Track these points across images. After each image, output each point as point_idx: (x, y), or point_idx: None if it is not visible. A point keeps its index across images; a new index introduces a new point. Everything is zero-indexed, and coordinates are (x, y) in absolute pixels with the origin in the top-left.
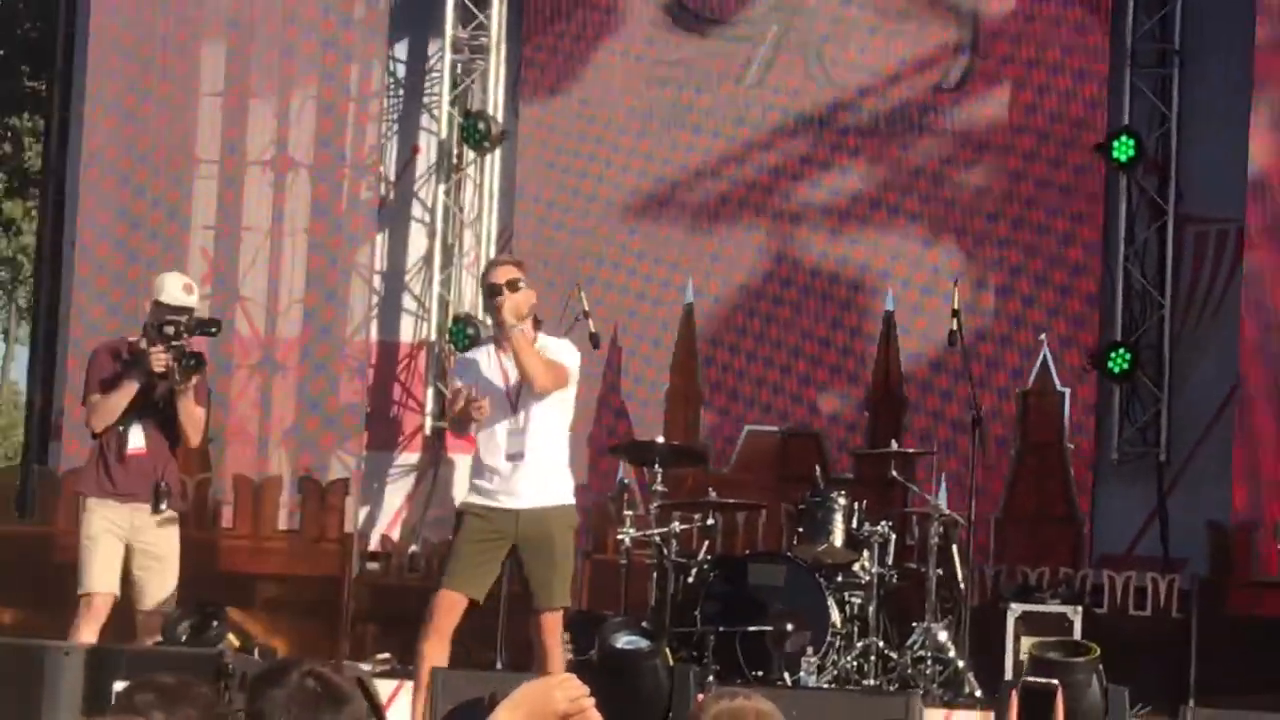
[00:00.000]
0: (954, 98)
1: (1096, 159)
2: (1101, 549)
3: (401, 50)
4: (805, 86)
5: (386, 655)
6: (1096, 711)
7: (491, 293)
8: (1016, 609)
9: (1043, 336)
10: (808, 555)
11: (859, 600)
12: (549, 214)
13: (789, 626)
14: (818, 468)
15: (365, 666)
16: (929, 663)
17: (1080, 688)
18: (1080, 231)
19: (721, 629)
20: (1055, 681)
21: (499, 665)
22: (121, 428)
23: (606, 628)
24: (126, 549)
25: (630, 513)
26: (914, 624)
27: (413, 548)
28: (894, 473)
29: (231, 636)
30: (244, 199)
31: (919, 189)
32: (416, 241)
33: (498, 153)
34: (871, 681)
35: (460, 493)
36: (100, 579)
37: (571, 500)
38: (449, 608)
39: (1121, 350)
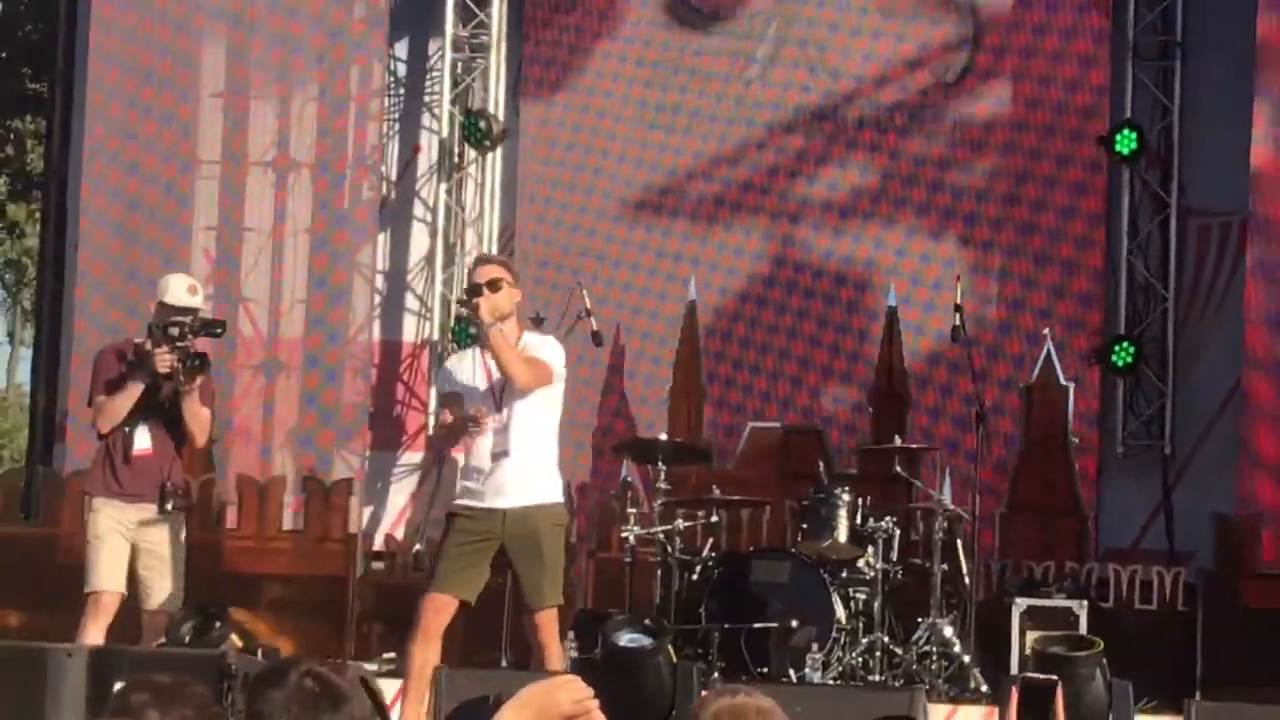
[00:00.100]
0: (955, 93)
1: (1098, 152)
2: (1107, 543)
3: (402, 49)
4: (807, 83)
5: (392, 655)
6: (1100, 705)
7: (472, 292)
8: (1022, 603)
9: (1046, 330)
10: (812, 552)
11: (864, 596)
12: (551, 212)
13: (794, 623)
14: (821, 464)
15: (370, 666)
16: (934, 658)
17: (1084, 682)
18: (1083, 225)
19: (726, 626)
20: (1055, 677)
21: (504, 664)
22: (127, 428)
23: (609, 626)
24: (132, 549)
25: (634, 510)
26: (919, 620)
27: (417, 547)
28: (898, 468)
29: (235, 637)
30: (246, 200)
31: (921, 184)
32: (418, 241)
33: (499, 151)
34: (877, 677)
35: None
36: (107, 577)
37: (559, 498)
38: (437, 610)
39: (1125, 344)
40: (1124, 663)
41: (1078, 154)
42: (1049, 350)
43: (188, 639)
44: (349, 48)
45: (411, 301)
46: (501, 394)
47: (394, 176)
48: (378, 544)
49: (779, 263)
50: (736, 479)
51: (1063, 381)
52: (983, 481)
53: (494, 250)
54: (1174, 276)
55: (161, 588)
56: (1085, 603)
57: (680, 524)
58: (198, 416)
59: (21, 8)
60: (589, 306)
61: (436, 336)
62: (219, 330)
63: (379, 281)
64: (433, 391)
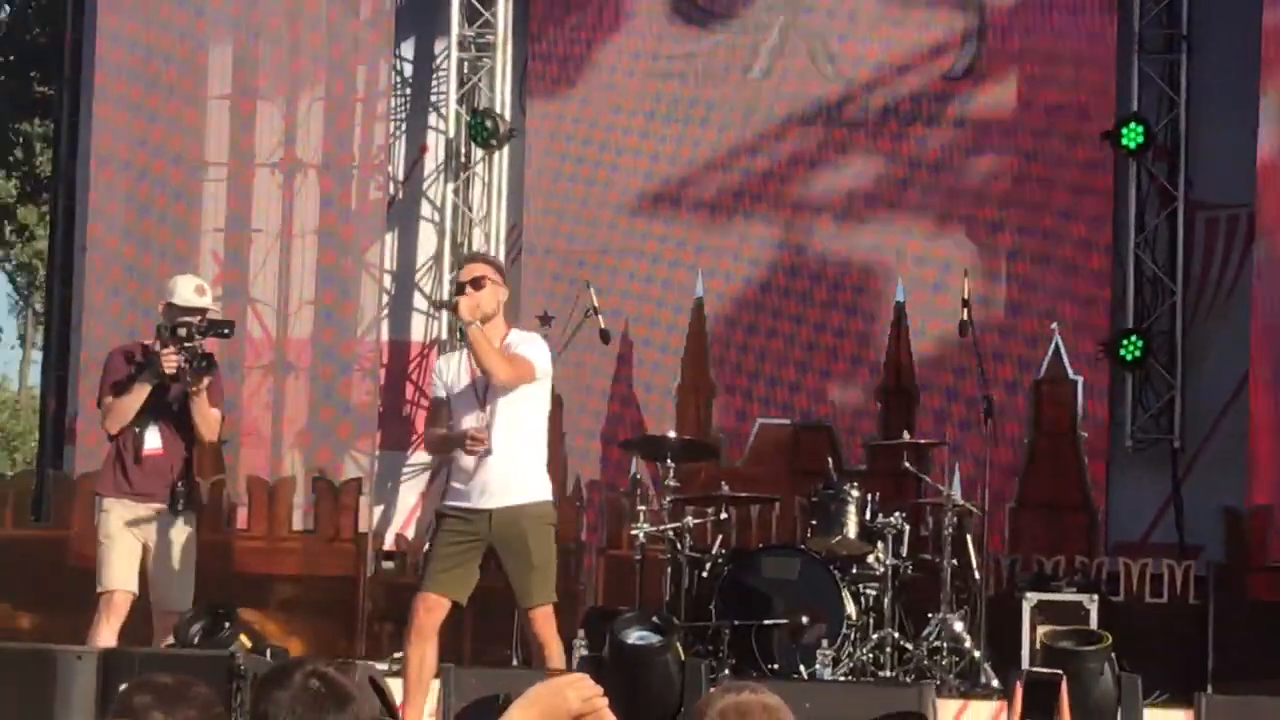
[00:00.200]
0: (961, 86)
1: (1105, 146)
2: (1117, 537)
3: (408, 49)
4: (813, 78)
5: (402, 654)
6: (1109, 699)
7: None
8: (1032, 598)
9: (1054, 325)
10: (821, 548)
11: (874, 592)
12: (557, 210)
13: (804, 619)
14: (830, 460)
15: (381, 666)
16: (945, 654)
17: (1092, 676)
18: (1090, 219)
19: (736, 623)
20: (1059, 671)
21: (515, 663)
22: (138, 429)
23: (618, 624)
24: (143, 549)
25: (643, 508)
26: (929, 615)
27: (427, 546)
28: (907, 464)
29: (244, 638)
30: (253, 201)
31: (928, 179)
32: (426, 240)
33: (506, 150)
34: (887, 673)
35: None
36: (119, 577)
37: (546, 497)
38: (428, 609)
39: (1133, 337)
40: (1135, 656)
41: (1084, 148)
42: (1057, 345)
43: (197, 640)
44: (355, 48)
45: (420, 301)
46: (485, 393)
47: (401, 176)
48: (388, 543)
49: (786, 258)
50: (745, 475)
51: (1071, 376)
52: (992, 475)
53: (502, 250)
54: (1182, 270)
55: (172, 588)
56: (1096, 597)
57: (690, 521)
58: (206, 417)
59: (29, 10)
60: (596, 304)
61: (445, 336)
62: (227, 331)
63: (387, 281)
64: None
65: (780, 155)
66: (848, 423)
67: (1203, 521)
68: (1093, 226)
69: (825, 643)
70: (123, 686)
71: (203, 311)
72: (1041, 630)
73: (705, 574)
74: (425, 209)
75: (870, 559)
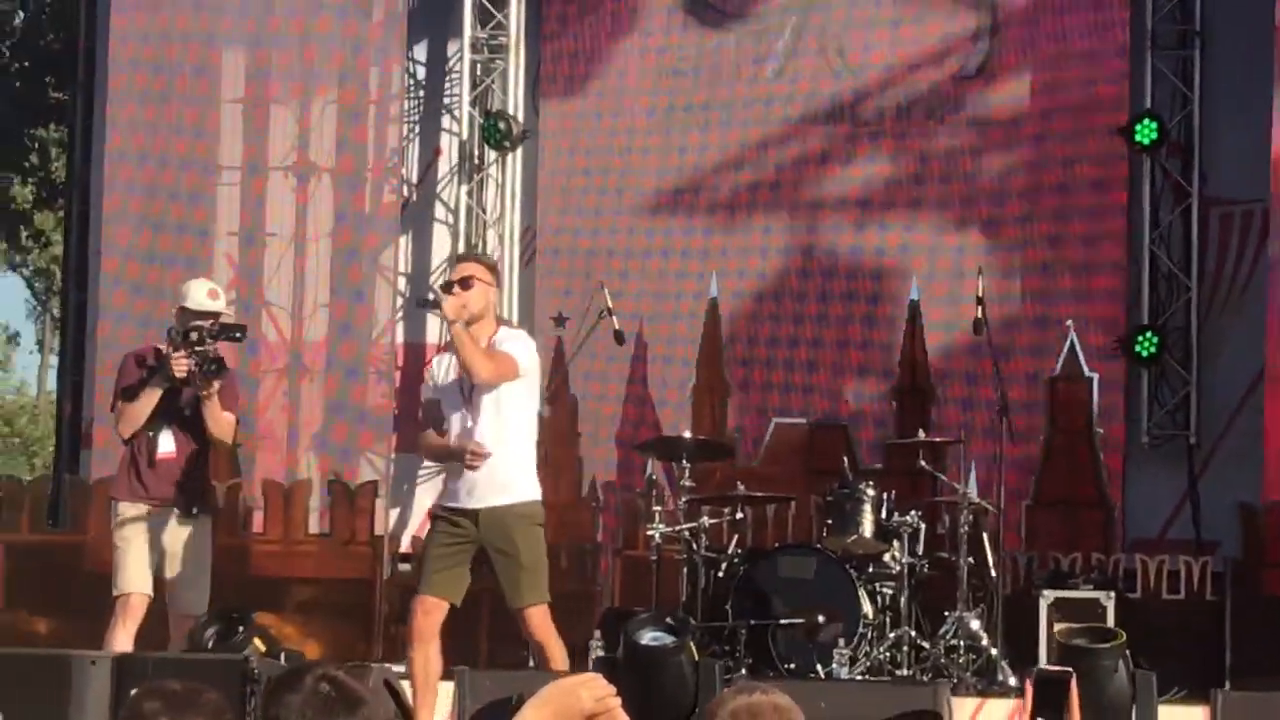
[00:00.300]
0: (975, 85)
1: (1119, 143)
2: (1133, 533)
3: (421, 52)
4: (825, 78)
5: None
6: (1124, 697)
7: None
8: (1049, 596)
9: (1069, 322)
10: (837, 547)
11: (890, 591)
12: (571, 211)
13: (820, 619)
14: (845, 459)
15: (398, 668)
16: (962, 652)
17: (1107, 674)
18: (1104, 216)
19: (752, 622)
20: (1069, 669)
21: (531, 664)
22: (152, 433)
23: (632, 624)
24: (159, 553)
25: (659, 508)
26: (946, 613)
27: (423, 548)
28: (922, 462)
29: (258, 641)
30: (267, 205)
31: (941, 177)
32: (440, 243)
33: (519, 152)
34: (904, 672)
35: None
36: (134, 581)
37: (533, 496)
38: (426, 611)
39: (1149, 334)
40: (1152, 653)
41: (1098, 145)
42: (1072, 341)
43: (211, 644)
44: (368, 51)
45: None
46: (470, 392)
47: (415, 179)
48: (404, 545)
49: (800, 258)
50: (761, 475)
51: (1087, 373)
52: (1008, 473)
53: (516, 251)
54: (1196, 266)
55: (188, 592)
56: (1113, 594)
57: (705, 521)
58: (219, 420)
59: (43, 16)
60: (610, 305)
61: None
62: (239, 335)
63: (401, 284)
64: None
65: (794, 155)
66: (863, 421)
67: (1219, 517)
68: (1107, 223)
69: (842, 642)
70: (133, 693)
71: (215, 315)
72: (1056, 628)
73: (721, 574)
74: (439, 211)
75: (886, 558)
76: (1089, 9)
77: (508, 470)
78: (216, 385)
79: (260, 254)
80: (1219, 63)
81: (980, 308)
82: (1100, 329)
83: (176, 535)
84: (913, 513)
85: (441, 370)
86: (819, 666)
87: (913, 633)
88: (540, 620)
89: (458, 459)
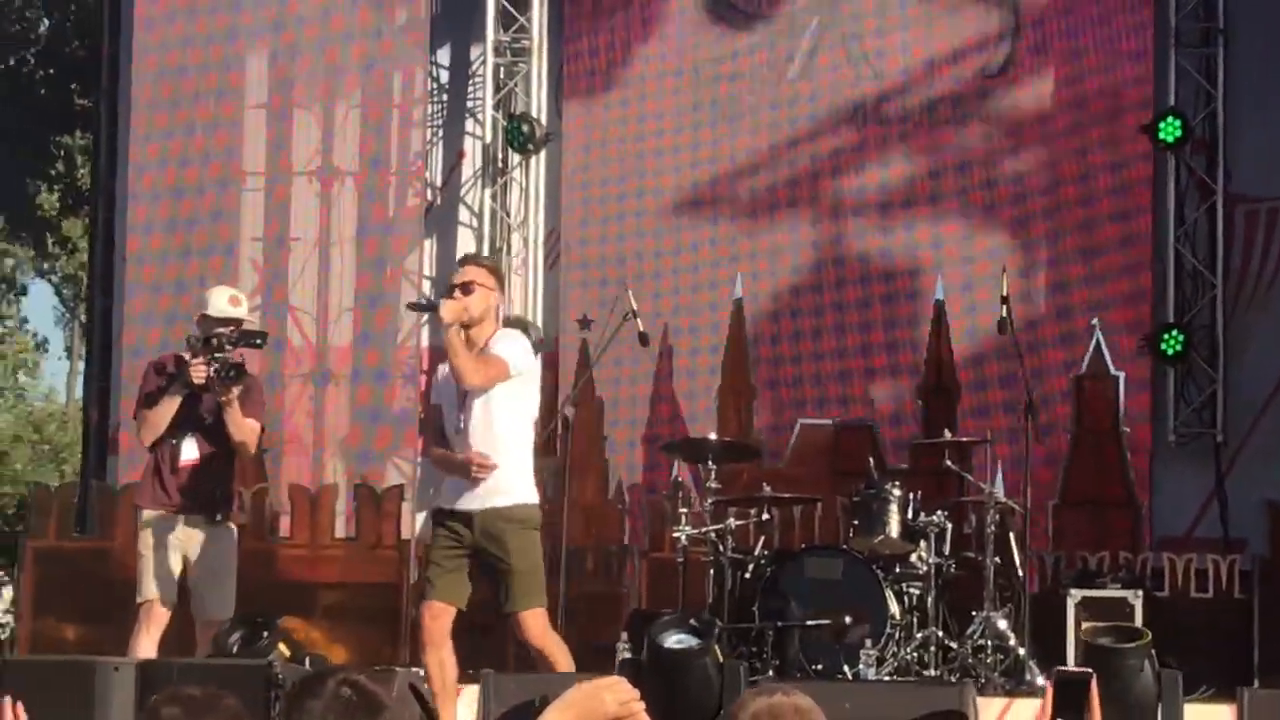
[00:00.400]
0: (998, 84)
1: (1143, 141)
2: (1161, 532)
3: (444, 56)
4: (849, 78)
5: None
6: (1149, 696)
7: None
8: (1077, 595)
9: (1095, 321)
10: (864, 547)
11: (917, 591)
12: (595, 214)
13: (847, 619)
14: (871, 460)
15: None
16: (989, 652)
17: (1132, 673)
18: (1129, 214)
19: (779, 624)
20: (1089, 670)
21: None
22: (174, 440)
23: (656, 627)
24: (183, 559)
25: (685, 510)
26: (973, 613)
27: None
28: (948, 462)
29: (282, 646)
30: (291, 210)
31: (966, 177)
32: (465, 246)
33: (542, 155)
34: (932, 672)
35: None
36: (158, 587)
37: (528, 499)
38: (434, 616)
39: (1174, 332)
40: (1180, 652)
41: (1122, 143)
42: (1098, 340)
43: (235, 649)
44: (391, 55)
45: None
46: (465, 396)
47: (439, 182)
48: None
49: (825, 258)
50: (787, 476)
51: (1113, 371)
52: (1034, 472)
53: (540, 254)
54: (1222, 263)
55: (213, 598)
56: (1140, 593)
57: (732, 523)
58: (241, 426)
59: (67, 24)
60: (635, 307)
61: None
62: (259, 341)
63: (426, 287)
64: None
65: (817, 155)
66: (889, 422)
67: (1246, 515)
68: (1132, 221)
69: (869, 642)
70: (152, 699)
71: (237, 322)
72: (1082, 628)
73: (748, 575)
74: (463, 215)
75: (913, 558)
76: (1112, 7)
77: (499, 473)
78: (236, 391)
79: (285, 259)
80: (1242, 60)
81: (1006, 306)
82: (1126, 327)
83: (200, 541)
84: (939, 513)
85: (441, 374)
86: (846, 667)
87: (940, 633)
88: (536, 625)
89: (463, 473)
